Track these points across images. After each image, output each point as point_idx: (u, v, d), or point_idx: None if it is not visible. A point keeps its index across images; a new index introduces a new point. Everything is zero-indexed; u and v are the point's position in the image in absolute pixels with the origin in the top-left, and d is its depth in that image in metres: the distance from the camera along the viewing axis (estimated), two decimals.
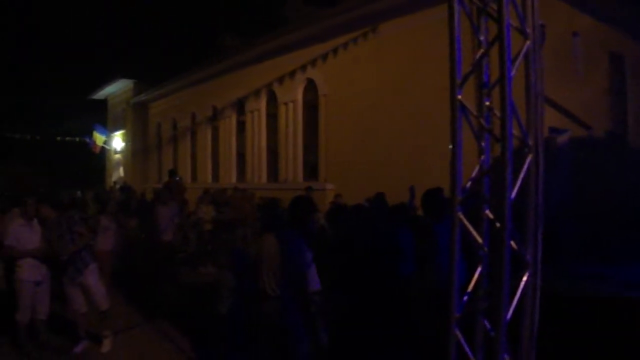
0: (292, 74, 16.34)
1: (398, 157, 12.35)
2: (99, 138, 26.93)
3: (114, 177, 29.36)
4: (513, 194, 2.95)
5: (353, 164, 13.70)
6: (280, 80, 16.84)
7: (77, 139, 30.48)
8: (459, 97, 3.13)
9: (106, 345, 7.25)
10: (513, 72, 2.95)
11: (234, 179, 19.82)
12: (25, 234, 6.94)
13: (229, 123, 20.50)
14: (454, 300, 3.13)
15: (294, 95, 16.60)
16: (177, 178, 15.19)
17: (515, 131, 3.02)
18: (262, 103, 18.36)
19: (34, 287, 6.88)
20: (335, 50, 14.60)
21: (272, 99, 17.94)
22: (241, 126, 19.96)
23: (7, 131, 31.46)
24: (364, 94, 13.62)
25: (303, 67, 15.85)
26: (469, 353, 3.16)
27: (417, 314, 5.59)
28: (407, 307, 5.77)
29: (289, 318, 4.94)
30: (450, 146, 3.13)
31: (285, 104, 16.97)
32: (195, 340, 7.51)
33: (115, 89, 29.61)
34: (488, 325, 3.17)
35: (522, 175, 3.02)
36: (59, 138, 31.46)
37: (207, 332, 7.66)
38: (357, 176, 13.22)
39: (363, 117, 13.58)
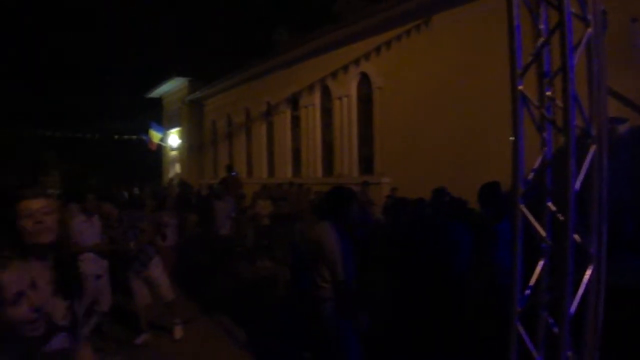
0: (345, 68, 16.31)
1: (456, 149, 12.17)
2: (155, 136, 27.43)
3: (171, 174, 29.89)
4: (577, 186, 2.87)
5: (409, 157, 13.59)
6: (334, 74, 16.83)
7: (134, 137, 31.15)
8: (520, 87, 3.07)
9: (178, 332, 7.43)
10: (575, 61, 2.87)
11: (289, 174, 19.94)
12: (86, 230, 7.14)
13: (284, 118, 20.62)
14: (516, 293, 3.07)
15: (348, 89, 16.57)
16: (234, 173, 15.36)
17: (578, 121, 2.93)
18: (316, 98, 18.40)
19: (94, 280, 7.07)
20: (388, 44, 14.50)
21: (326, 94, 17.95)
22: (296, 121, 20.06)
23: (67, 131, 32.39)
24: (419, 86, 13.50)
25: (356, 61, 15.81)
26: (531, 348, 3.10)
27: (472, 312, 5.52)
28: (461, 305, 5.71)
29: (332, 309, 4.98)
30: (512, 138, 3.07)
31: (340, 98, 16.96)
32: (252, 332, 7.60)
33: (171, 87, 30.14)
34: (551, 321, 3.10)
35: (585, 166, 2.93)
36: (116, 136, 32.21)
37: (263, 325, 7.76)
38: (414, 169, 13.12)
39: (419, 109, 13.46)
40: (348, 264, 5.02)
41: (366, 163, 16.13)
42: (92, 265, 7.11)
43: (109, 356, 6.65)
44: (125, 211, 7.64)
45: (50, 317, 2.36)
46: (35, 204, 2.47)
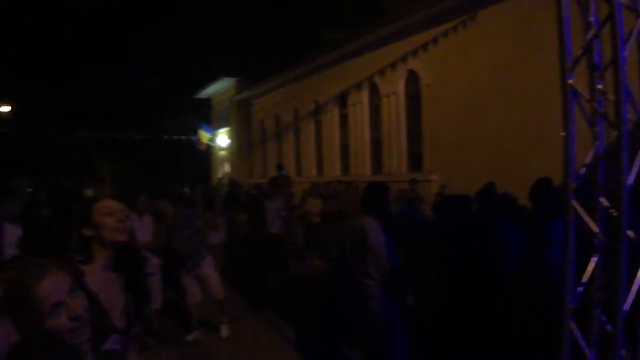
0: (393, 65, 16.24)
1: (505, 145, 11.98)
2: (204, 136, 27.77)
3: (220, 174, 30.23)
4: (630, 180, 2.81)
5: (458, 154, 13.46)
6: (382, 72, 16.78)
7: (184, 138, 31.60)
8: (570, 81, 3.02)
9: (225, 331, 7.53)
10: (626, 53, 2.80)
11: (338, 172, 19.97)
12: (138, 229, 7.30)
13: (332, 117, 20.66)
14: (569, 290, 3.02)
15: (395, 86, 16.50)
16: (283, 172, 15.48)
17: (630, 114, 2.87)
18: (364, 96, 18.38)
19: (146, 278, 7.22)
20: (435, 40, 14.39)
21: (374, 91, 17.92)
22: (344, 119, 20.07)
23: (117, 132, 33.09)
24: (467, 82, 13.35)
25: (404, 58, 15.73)
26: (584, 346, 3.05)
27: (522, 310, 5.45)
28: (509, 303, 5.64)
29: (378, 307, 5.02)
30: (563, 133, 3.02)
31: (387, 95, 16.91)
32: (301, 331, 7.64)
33: (219, 88, 30.54)
34: (604, 318, 3.05)
35: (638, 160, 2.86)
36: (166, 137, 32.72)
37: (313, 324, 7.79)
38: (463, 166, 12.98)
39: (468, 105, 13.31)
40: (391, 257, 5.04)
41: (415, 160, 16.03)
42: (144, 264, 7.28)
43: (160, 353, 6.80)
44: (183, 210, 7.78)
45: (110, 318, 2.41)
46: (117, 204, 2.58)
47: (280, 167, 15.88)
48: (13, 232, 5.23)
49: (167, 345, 7.15)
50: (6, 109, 30.75)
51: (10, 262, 2.31)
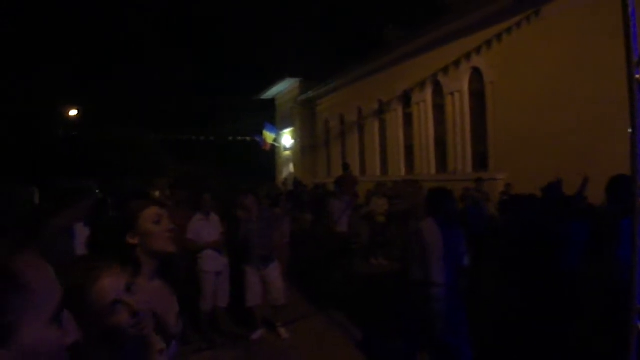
0: (456, 63, 16.05)
1: (573, 143, 11.68)
2: (268, 136, 28.05)
3: (284, 174, 30.52)
4: None
5: (524, 153, 13.19)
6: (445, 70, 16.62)
7: (248, 138, 32.01)
8: (638, 76, 2.94)
9: (283, 333, 7.62)
10: None
11: (402, 171, 19.90)
12: (204, 228, 7.46)
13: (396, 116, 20.60)
14: (636, 290, 2.95)
15: (459, 84, 16.32)
16: (348, 172, 15.48)
17: None
18: (428, 94, 18.26)
19: (214, 277, 7.36)
20: (499, 36, 14.14)
21: (438, 90, 17.78)
22: (408, 118, 19.98)
23: (183, 134, 33.80)
24: (532, 79, 13.09)
25: (467, 56, 15.52)
26: None
27: (588, 309, 5.34)
28: (573, 302, 5.53)
29: (443, 304, 5.03)
30: (630, 130, 2.95)
31: (452, 94, 16.74)
32: (366, 330, 7.67)
33: (283, 88, 30.82)
34: None
35: None
36: (230, 138, 33.21)
37: (378, 323, 7.80)
38: (530, 165, 12.71)
39: (533, 102, 13.04)
40: (449, 261, 5.05)
41: (480, 159, 15.81)
42: (211, 263, 7.43)
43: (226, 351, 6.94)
44: (265, 209, 7.92)
45: (167, 326, 2.35)
46: (163, 210, 2.48)
47: (346, 166, 15.92)
48: (83, 233, 5.47)
49: (233, 343, 7.32)
50: (74, 112, 31.92)
51: (74, 263, 2.32)
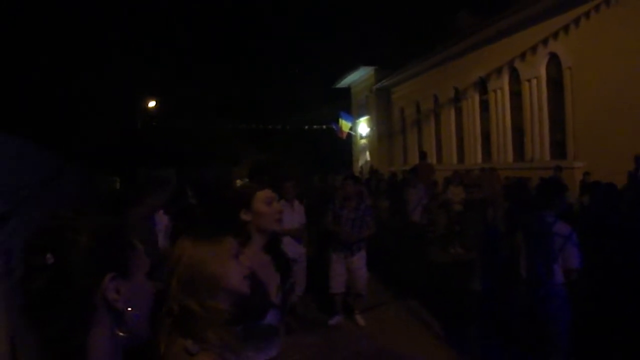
0: (533, 48, 15.77)
1: None
2: (344, 125, 28.27)
3: (361, 162, 30.65)
4: None
5: (605, 140, 12.85)
6: (522, 56, 16.35)
7: (324, 127, 32.27)
8: None
9: (359, 320, 7.85)
10: None
11: (479, 159, 19.71)
12: (286, 215, 7.64)
13: (472, 103, 20.39)
14: None
15: (537, 70, 16.02)
16: (424, 160, 15.49)
17: None
18: (505, 81, 17.99)
19: (292, 264, 7.57)
20: (577, 21, 13.79)
21: (515, 76, 17.49)
22: (484, 105, 19.75)
23: (260, 123, 34.41)
24: (612, 64, 12.71)
25: (544, 41, 15.22)
26: None
27: None
28: None
29: (543, 302, 4.95)
30: None
31: (529, 80, 16.45)
32: (443, 319, 7.78)
33: (358, 77, 30.86)
34: None
35: None
36: (306, 127, 33.56)
37: (455, 312, 7.89)
38: (610, 152, 12.39)
39: (613, 88, 12.67)
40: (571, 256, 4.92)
41: (558, 147, 15.50)
42: (290, 249, 7.69)
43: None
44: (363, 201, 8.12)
45: (267, 295, 2.60)
46: (274, 193, 2.82)
47: (422, 154, 15.95)
48: (162, 221, 5.90)
49: (310, 328, 7.43)
50: (152, 103, 33.01)
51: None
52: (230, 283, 1.89)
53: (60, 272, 1.19)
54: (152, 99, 32.96)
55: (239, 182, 11.76)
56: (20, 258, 1.20)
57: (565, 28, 14.24)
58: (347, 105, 32.46)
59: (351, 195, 7.73)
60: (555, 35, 14.73)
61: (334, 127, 29.69)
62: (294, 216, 7.51)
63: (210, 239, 1.93)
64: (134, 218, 5.11)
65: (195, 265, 1.85)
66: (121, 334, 1.29)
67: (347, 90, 33.61)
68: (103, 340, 1.25)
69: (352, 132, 30.58)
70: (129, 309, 1.27)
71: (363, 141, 31.23)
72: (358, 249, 7.70)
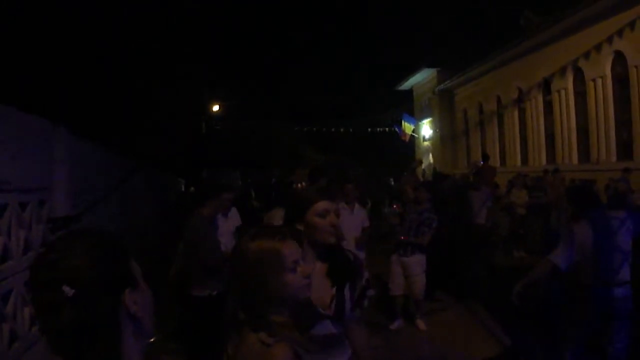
0: (597, 47, 15.35)
1: None
2: (407, 127, 28.17)
3: (424, 164, 30.44)
4: None
5: None
6: (586, 55, 15.94)
7: (387, 129, 32.23)
8: None
9: (420, 325, 7.85)
10: None
11: (543, 161, 19.30)
12: (345, 220, 7.56)
13: (535, 104, 20.01)
14: None
15: (601, 70, 15.58)
16: (482, 162, 15.30)
17: None
18: (569, 81, 17.57)
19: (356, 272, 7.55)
20: None
21: (579, 76, 17.06)
22: (548, 106, 19.34)
23: (323, 125, 34.61)
24: None
25: (609, 39, 14.79)
26: None
27: None
28: None
29: (603, 308, 4.90)
30: None
31: (593, 80, 16.01)
32: (507, 324, 7.69)
33: (420, 79, 30.69)
34: None
35: None
36: (369, 129, 33.59)
37: (518, 316, 7.79)
38: None
39: None
40: (601, 261, 4.89)
41: (625, 148, 15.03)
42: None
43: None
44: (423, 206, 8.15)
45: (315, 305, 2.53)
46: (331, 204, 2.73)
47: (485, 157, 15.78)
48: (224, 224, 6.04)
49: (372, 332, 7.34)
50: (216, 107, 33.69)
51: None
52: (286, 294, 1.92)
53: (84, 299, 1.21)
54: (217, 103, 33.69)
55: (300, 186, 11.87)
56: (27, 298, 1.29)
57: (631, 25, 13.81)
58: (410, 108, 32.35)
59: (420, 200, 7.81)
60: (620, 32, 14.30)
61: (396, 129, 29.65)
62: (353, 219, 7.38)
63: (273, 240, 1.95)
64: (196, 219, 5.31)
65: (256, 271, 1.88)
66: (144, 339, 1.40)
67: (410, 92, 33.46)
68: (134, 352, 1.34)
69: (415, 135, 30.44)
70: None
71: (426, 143, 31.05)
72: (412, 252, 7.71)
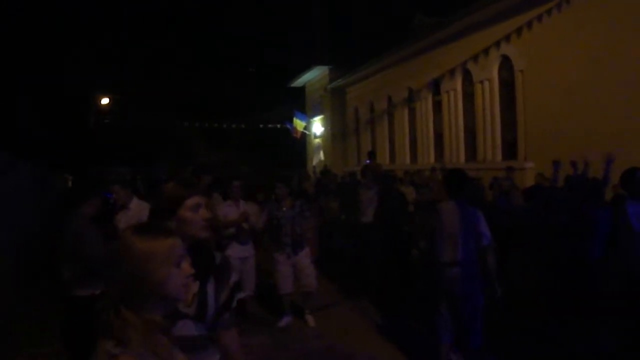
0: (486, 51, 16.01)
1: (604, 133, 11.58)
2: (299, 124, 28.22)
3: (315, 161, 30.64)
4: None
5: (555, 141, 13.07)
6: (475, 58, 16.59)
7: (279, 126, 32.24)
8: None
9: (311, 321, 7.83)
10: None
11: (432, 160, 19.91)
12: (232, 214, 7.54)
13: (425, 104, 20.60)
14: None
15: (489, 73, 16.26)
16: (368, 161, 15.50)
17: None
18: (458, 82, 18.22)
19: (239, 263, 7.37)
20: (529, 24, 14.05)
21: (468, 78, 17.74)
22: (437, 106, 19.98)
23: (213, 121, 34.18)
24: (564, 68, 12.98)
25: (497, 44, 15.47)
26: None
27: (607, 301, 5.42)
28: (594, 293, 5.61)
29: (468, 283, 5.12)
30: None
31: (481, 82, 16.69)
32: (393, 319, 7.83)
33: (312, 76, 30.83)
34: None
35: None
36: (261, 125, 33.50)
37: (405, 312, 7.96)
38: (559, 154, 12.62)
39: (564, 91, 12.92)
40: (467, 243, 5.14)
41: (509, 148, 15.78)
42: (237, 248, 7.62)
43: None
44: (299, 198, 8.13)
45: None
46: (202, 198, 2.68)
47: (371, 154, 16.00)
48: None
49: (259, 329, 7.44)
50: (105, 100, 32.49)
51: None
52: (169, 290, 1.84)
53: None
54: (105, 96, 32.48)
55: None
56: None
57: (518, 31, 14.49)
58: (302, 105, 32.44)
59: (281, 196, 7.79)
60: (507, 38, 14.98)
61: (288, 126, 29.66)
62: (237, 215, 7.51)
63: (156, 237, 1.86)
64: (79, 218, 5.06)
65: (138, 267, 1.78)
66: None
67: (302, 89, 33.59)
68: None
69: (307, 132, 30.57)
70: None
71: (317, 140, 31.24)
72: (301, 247, 7.71)
